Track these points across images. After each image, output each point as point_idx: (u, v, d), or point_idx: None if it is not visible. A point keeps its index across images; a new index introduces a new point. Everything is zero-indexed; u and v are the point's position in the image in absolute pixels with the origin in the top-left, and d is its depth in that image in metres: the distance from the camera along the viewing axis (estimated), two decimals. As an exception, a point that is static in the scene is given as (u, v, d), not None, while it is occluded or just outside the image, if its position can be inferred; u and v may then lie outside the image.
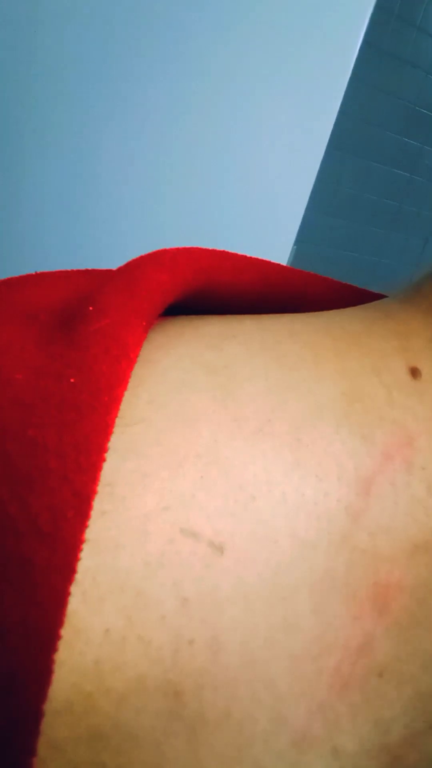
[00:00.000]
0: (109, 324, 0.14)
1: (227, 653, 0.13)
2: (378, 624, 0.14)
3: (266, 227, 0.97)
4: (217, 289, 0.18)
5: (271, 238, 0.98)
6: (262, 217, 0.96)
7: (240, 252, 0.18)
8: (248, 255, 0.19)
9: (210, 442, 0.14)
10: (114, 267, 0.18)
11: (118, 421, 0.14)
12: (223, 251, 0.18)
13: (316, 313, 0.19)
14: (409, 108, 1.35)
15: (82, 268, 0.18)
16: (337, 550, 0.14)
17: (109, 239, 0.88)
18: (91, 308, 0.15)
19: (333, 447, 0.15)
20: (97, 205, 0.86)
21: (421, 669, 0.14)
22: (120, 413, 0.14)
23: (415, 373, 0.16)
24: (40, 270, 0.17)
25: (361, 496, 0.15)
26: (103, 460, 0.13)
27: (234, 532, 0.13)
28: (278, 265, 0.19)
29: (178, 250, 0.17)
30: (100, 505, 0.12)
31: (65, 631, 0.11)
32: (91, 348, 0.14)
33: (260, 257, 0.19)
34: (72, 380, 0.13)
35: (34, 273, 0.17)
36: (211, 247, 0.18)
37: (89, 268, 0.18)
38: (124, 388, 0.14)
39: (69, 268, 0.17)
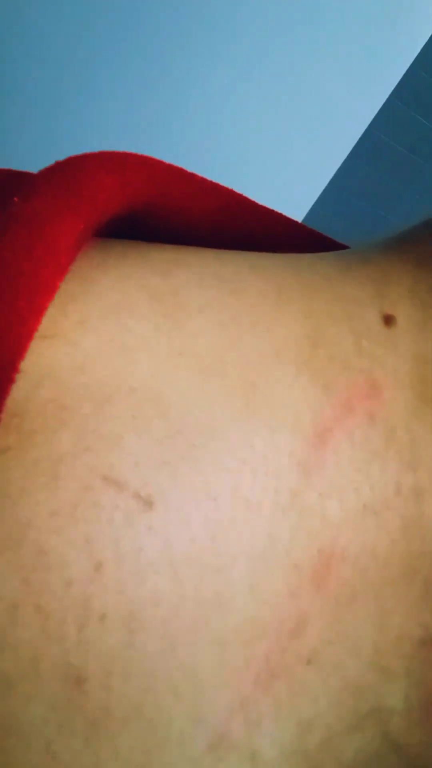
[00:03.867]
0: (35, 217, 0.12)
1: (145, 634, 0.11)
2: (314, 601, 0.12)
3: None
4: (169, 209, 0.16)
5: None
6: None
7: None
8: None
9: (147, 376, 0.12)
10: None
11: (36, 338, 0.11)
12: (181, 168, 0.15)
13: (285, 254, 0.17)
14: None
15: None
16: (284, 513, 0.12)
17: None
18: (15, 198, 0.12)
19: (290, 394, 0.13)
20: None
21: (350, 653, 0.13)
22: (40, 330, 0.12)
23: (389, 320, 0.14)
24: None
25: (316, 452, 0.13)
26: (12, 382, 0.10)
27: (166, 484, 0.11)
28: (245, 197, 0.17)
29: (128, 153, 0.14)
30: (3, 438, 0.11)
31: None
32: (9, 243, 0.11)
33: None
34: None
35: None
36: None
37: None
38: (50, 297, 0.11)
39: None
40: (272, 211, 0.17)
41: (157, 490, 0.11)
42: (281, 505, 0.12)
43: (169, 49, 0.79)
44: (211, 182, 0.16)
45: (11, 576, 0.10)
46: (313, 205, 0.99)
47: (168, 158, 0.15)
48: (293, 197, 0.97)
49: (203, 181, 0.16)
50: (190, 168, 0.15)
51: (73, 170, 0.13)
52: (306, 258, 0.16)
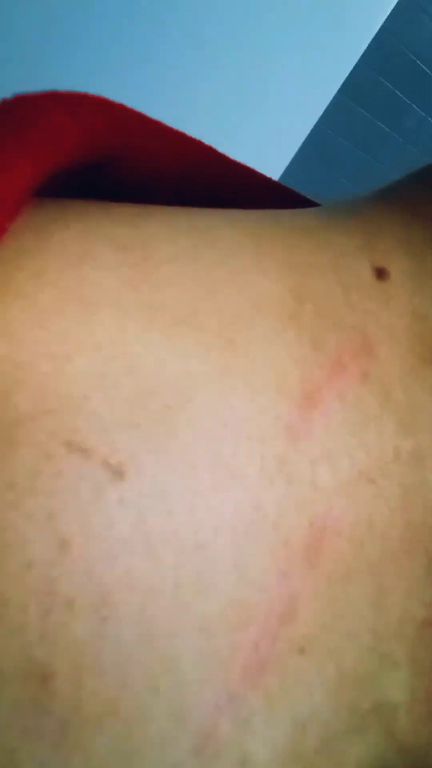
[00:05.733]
0: None
1: (119, 622, 0.09)
2: (306, 581, 0.11)
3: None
4: (133, 160, 0.14)
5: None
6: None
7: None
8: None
9: (114, 332, 0.10)
10: None
11: None
12: (144, 114, 0.14)
13: (263, 210, 0.15)
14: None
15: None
16: (271, 481, 0.11)
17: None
18: None
19: (274, 352, 0.12)
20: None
21: (346, 638, 0.11)
22: None
23: (381, 274, 0.13)
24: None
25: (305, 414, 0.11)
26: None
27: (138, 451, 0.10)
28: (216, 150, 0.15)
29: (85, 93, 0.13)
30: None
31: None
32: None
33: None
34: None
35: None
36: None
37: None
38: None
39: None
40: (245, 166, 0.16)
41: (128, 457, 0.10)
42: (268, 472, 0.11)
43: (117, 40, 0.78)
44: (178, 131, 0.14)
45: None
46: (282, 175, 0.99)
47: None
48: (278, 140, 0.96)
49: (170, 129, 0.14)
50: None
51: (22, 109, 0.12)
52: (286, 212, 0.15)
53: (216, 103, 0.87)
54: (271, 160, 0.94)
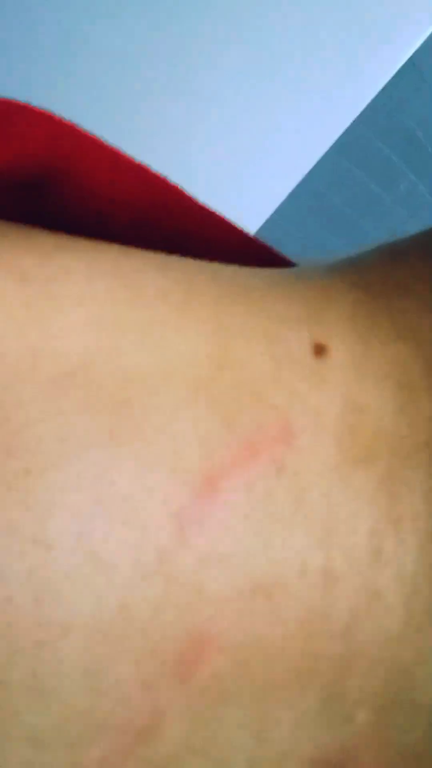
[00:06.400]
0: None
1: None
2: (175, 696, 0.10)
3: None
4: (75, 185, 0.13)
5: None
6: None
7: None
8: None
9: None
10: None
11: None
12: (98, 138, 0.12)
13: (208, 262, 0.14)
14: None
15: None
16: (145, 578, 0.10)
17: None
18: None
19: (176, 423, 0.10)
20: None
21: (216, 765, 0.10)
22: None
23: (319, 350, 0.12)
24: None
25: (200, 502, 0.10)
26: None
27: None
28: (181, 190, 0.14)
29: (24, 103, 0.11)
30: None
31: None
32: None
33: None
34: None
35: None
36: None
37: None
38: None
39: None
40: (213, 213, 0.14)
41: None
42: (144, 567, 0.10)
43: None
44: (136, 162, 0.13)
45: None
46: (267, 221, 0.99)
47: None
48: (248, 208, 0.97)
49: (128, 159, 0.13)
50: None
51: None
52: (231, 267, 0.14)
53: (211, 142, 0.88)
54: (256, 206, 0.95)
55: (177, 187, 0.14)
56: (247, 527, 0.10)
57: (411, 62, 0.90)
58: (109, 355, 0.10)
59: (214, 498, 0.10)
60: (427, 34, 0.87)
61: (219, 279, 0.13)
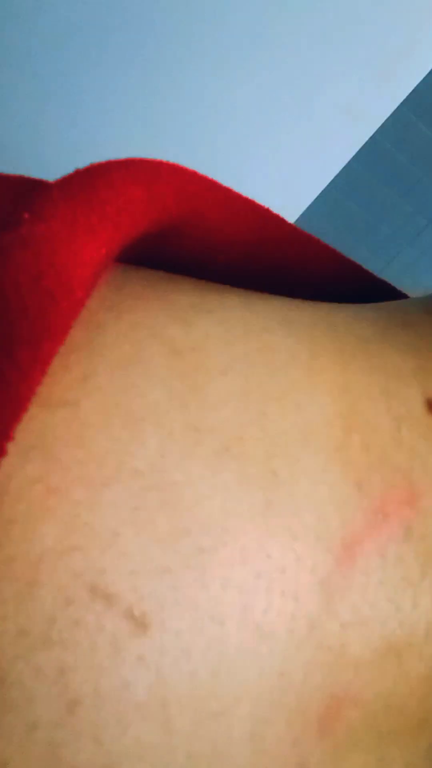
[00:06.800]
0: (46, 240, 0.09)
1: None
2: (315, 749, 0.10)
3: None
4: (200, 228, 0.13)
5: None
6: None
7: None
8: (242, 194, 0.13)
9: (155, 457, 0.10)
10: None
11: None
12: (214, 181, 0.13)
13: (315, 302, 0.14)
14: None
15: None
16: (299, 646, 0.10)
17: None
18: (26, 215, 0.10)
19: (317, 490, 0.10)
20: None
21: None
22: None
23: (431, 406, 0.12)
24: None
25: (342, 569, 0.10)
26: (3, 455, 0.08)
27: (165, 601, 0.09)
28: (282, 219, 0.14)
29: (159, 161, 0.12)
30: None
31: None
32: (12, 273, 0.09)
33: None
34: None
35: None
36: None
37: None
38: (60, 342, 0.09)
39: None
40: (310, 236, 0.15)
41: (154, 608, 0.09)
42: (297, 635, 0.10)
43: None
44: (246, 199, 0.13)
45: None
46: (309, 207, 0.99)
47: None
48: (289, 196, 0.95)
49: (239, 197, 0.13)
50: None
51: (96, 181, 0.11)
52: (339, 311, 0.14)
53: (228, 142, 0.88)
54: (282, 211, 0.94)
55: (279, 216, 0.14)
56: (382, 592, 0.11)
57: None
58: (255, 425, 0.11)
59: (353, 564, 0.10)
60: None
61: (336, 329, 0.13)
